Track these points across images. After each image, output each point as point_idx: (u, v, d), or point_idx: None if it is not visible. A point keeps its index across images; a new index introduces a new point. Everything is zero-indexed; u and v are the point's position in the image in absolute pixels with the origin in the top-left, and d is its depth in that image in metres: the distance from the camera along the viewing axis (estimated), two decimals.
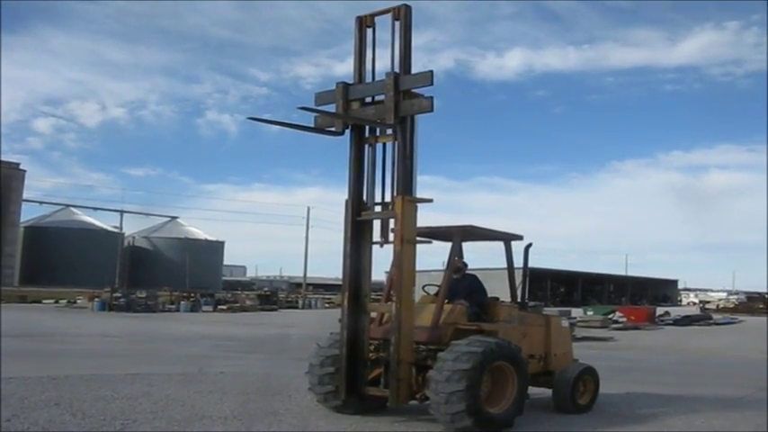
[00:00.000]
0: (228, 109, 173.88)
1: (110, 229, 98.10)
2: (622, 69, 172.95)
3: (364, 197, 10.40)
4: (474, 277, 11.28)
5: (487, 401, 9.34)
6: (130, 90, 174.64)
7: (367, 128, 10.51)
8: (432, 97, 9.93)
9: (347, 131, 10.47)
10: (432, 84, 9.86)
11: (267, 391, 12.16)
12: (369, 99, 10.52)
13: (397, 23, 10.24)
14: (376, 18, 10.56)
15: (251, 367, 16.35)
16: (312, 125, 10.68)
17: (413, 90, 10.00)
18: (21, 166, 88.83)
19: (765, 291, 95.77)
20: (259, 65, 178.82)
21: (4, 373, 13.12)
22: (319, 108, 10.47)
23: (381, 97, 10.23)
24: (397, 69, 10.12)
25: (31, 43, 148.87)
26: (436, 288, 10.88)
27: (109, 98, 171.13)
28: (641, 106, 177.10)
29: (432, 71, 9.87)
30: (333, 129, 10.48)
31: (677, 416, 11.11)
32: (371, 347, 10.15)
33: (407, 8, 10.19)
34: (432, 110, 9.92)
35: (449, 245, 11.07)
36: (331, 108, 10.49)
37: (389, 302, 10.24)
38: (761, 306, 77.56)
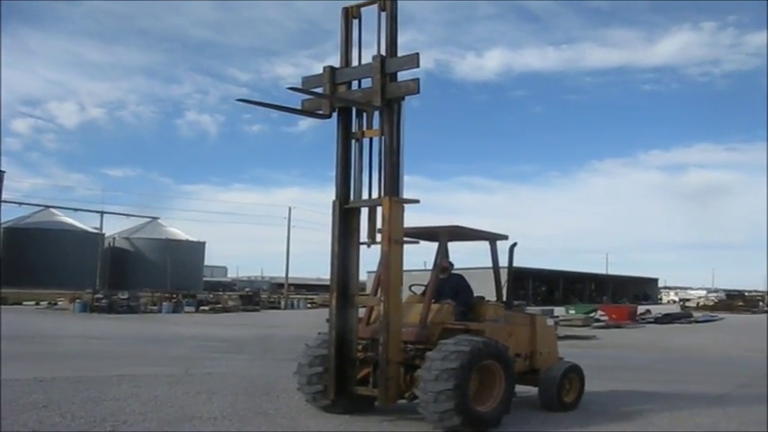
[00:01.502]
0: (208, 109, 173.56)
1: (90, 230, 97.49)
2: (601, 69, 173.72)
3: (351, 194, 10.45)
4: (460, 277, 11.37)
5: (475, 400, 9.42)
6: (109, 90, 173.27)
7: (354, 121, 10.57)
8: (418, 79, 10.00)
9: (334, 116, 10.52)
10: (418, 66, 9.93)
11: (255, 391, 12.19)
12: (356, 85, 10.61)
13: (383, 14, 10.32)
14: (362, 9, 10.65)
15: (237, 368, 16.36)
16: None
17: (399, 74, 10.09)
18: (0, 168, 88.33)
19: (744, 289, 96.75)
20: (239, 65, 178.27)
21: None
22: (307, 89, 10.52)
23: (368, 83, 10.32)
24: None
25: (8, 43, 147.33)
26: (423, 288, 10.97)
27: (88, 98, 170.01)
28: (620, 106, 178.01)
29: (418, 53, 9.94)
30: (320, 112, 10.55)
31: (662, 413, 11.24)
32: (360, 347, 10.21)
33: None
34: (418, 91, 9.99)
35: (434, 245, 11.17)
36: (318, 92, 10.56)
37: (377, 295, 10.28)
38: (740, 304, 78.43)
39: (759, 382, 15.79)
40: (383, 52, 10.21)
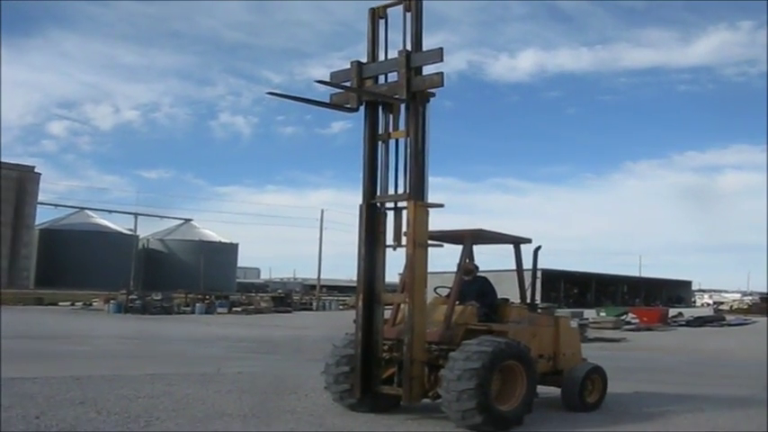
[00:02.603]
0: (242, 111, 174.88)
1: (124, 231, 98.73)
2: (636, 70, 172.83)
3: (378, 192, 10.70)
4: (485, 279, 11.59)
5: (498, 399, 9.63)
6: (144, 92, 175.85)
7: (380, 123, 10.80)
8: (442, 72, 10.22)
9: (362, 117, 10.78)
10: (442, 60, 10.17)
11: (284, 390, 12.49)
12: (382, 80, 10.86)
13: (408, 15, 10.59)
14: (388, 10, 10.93)
15: (267, 368, 16.71)
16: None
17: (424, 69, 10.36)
18: (35, 170, 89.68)
19: None
20: (272, 67, 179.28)
21: (28, 373, 13.55)
22: (335, 83, 10.80)
23: (394, 78, 10.58)
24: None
25: (43, 46, 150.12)
26: (447, 290, 11.21)
27: (122, 101, 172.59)
28: (655, 107, 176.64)
29: (442, 48, 10.17)
30: (348, 105, 10.82)
31: (683, 414, 11.39)
32: (385, 347, 10.44)
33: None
34: (442, 84, 10.21)
35: (459, 248, 11.40)
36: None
37: (403, 293, 10.54)
38: None
39: None
40: (409, 46, 10.49)
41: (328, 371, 10.77)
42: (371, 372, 10.27)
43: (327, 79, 10.87)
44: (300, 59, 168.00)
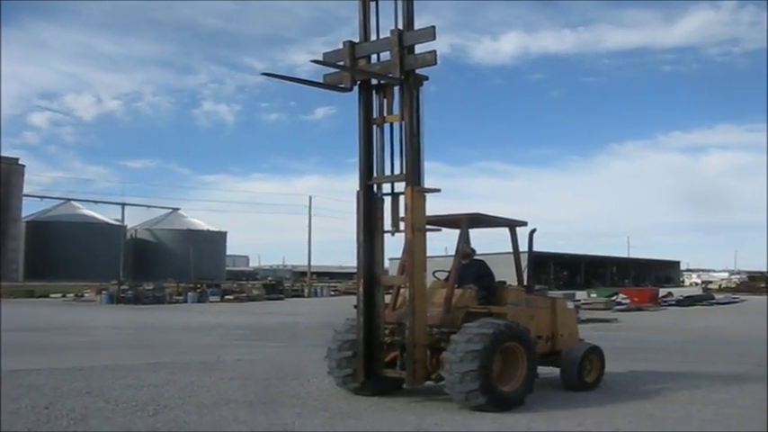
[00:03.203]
0: (225, 99, 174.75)
1: (111, 222, 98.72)
2: (619, 51, 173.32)
3: (374, 175, 10.85)
4: (482, 263, 11.75)
5: (499, 380, 9.82)
6: (125, 82, 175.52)
7: (375, 107, 10.92)
8: (435, 51, 10.35)
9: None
10: (434, 38, 10.26)
11: (286, 376, 12.64)
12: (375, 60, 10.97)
13: None
14: None
15: (266, 354, 16.87)
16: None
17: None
18: (19, 161, 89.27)
19: (766, 270, 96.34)
20: (254, 54, 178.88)
21: (31, 364, 13.67)
22: (329, 62, 10.90)
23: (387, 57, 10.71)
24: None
25: (23, 38, 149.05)
26: (446, 274, 11.36)
27: (104, 90, 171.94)
28: (639, 88, 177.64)
29: (434, 27, 10.27)
30: (342, 85, 10.91)
31: (679, 391, 11.60)
32: (387, 331, 10.60)
33: None
34: (435, 62, 10.34)
35: (456, 232, 11.55)
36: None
37: (401, 276, 10.69)
38: (762, 285, 78.02)
39: None
40: (401, 25, 10.60)
41: (331, 356, 10.92)
42: (374, 356, 10.43)
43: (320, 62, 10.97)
44: (282, 46, 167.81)
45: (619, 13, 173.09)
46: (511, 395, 9.85)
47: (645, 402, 10.66)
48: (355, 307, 10.71)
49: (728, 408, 10.43)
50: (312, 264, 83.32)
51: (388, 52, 10.67)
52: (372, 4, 11.05)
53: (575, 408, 10.21)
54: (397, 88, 10.73)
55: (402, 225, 10.50)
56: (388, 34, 10.63)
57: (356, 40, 10.96)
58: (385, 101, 10.93)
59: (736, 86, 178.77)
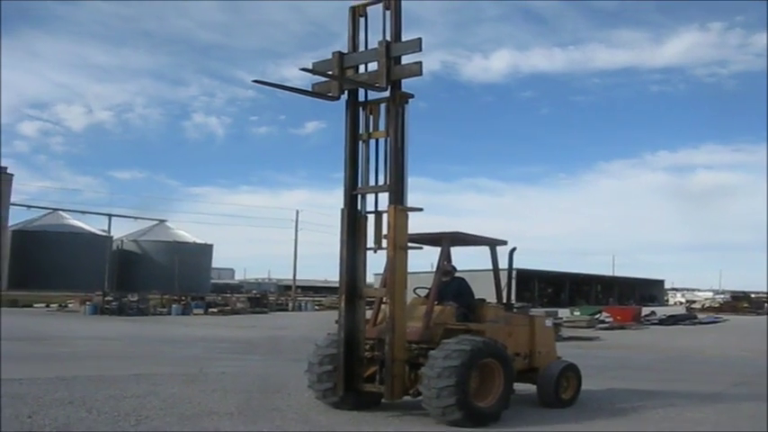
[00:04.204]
0: (215, 111, 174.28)
1: (98, 232, 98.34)
2: (608, 70, 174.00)
3: (359, 195, 11.05)
4: (462, 280, 11.95)
5: (476, 396, 10.01)
6: (116, 93, 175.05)
7: (361, 123, 11.16)
8: (420, 62, 10.62)
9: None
10: (420, 50, 10.57)
11: (267, 389, 12.80)
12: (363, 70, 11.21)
13: (388, 12, 10.96)
14: (368, 8, 11.29)
15: (249, 367, 16.99)
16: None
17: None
18: (8, 170, 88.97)
19: (751, 290, 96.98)
20: (245, 67, 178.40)
21: (14, 373, 13.75)
22: (317, 71, 11.10)
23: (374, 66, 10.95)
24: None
25: (14, 46, 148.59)
26: (426, 290, 11.56)
27: (95, 101, 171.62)
28: (627, 107, 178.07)
29: (420, 38, 10.58)
30: (330, 94, 11.15)
31: (654, 409, 11.80)
32: (367, 346, 10.77)
33: None
34: (420, 73, 10.62)
35: (438, 250, 11.74)
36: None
37: (383, 288, 10.88)
38: (745, 305, 78.60)
39: (754, 381, 16.33)
40: (389, 37, 10.88)
41: (312, 370, 11.07)
42: (354, 370, 10.58)
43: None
44: (274, 59, 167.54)
45: (608, 33, 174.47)
46: (487, 411, 10.03)
47: (619, 420, 10.90)
48: (337, 322, 10.88)
49: (701, 426, 10.66)
50: (298, 278, 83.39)
51: (375, 63, 10.91)
52: (361, 19, 11.31)
53: (550, 424, 10.42)
54: (383, 105, 10.98)
55: (384, 242, 10.70)
56: (376, 45, 10.90)
57: (348, 43, 11.27)
58: (371, 117, 11.16)
59: (723, 107, 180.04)
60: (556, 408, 11.56)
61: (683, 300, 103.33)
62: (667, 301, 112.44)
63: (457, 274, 12.12)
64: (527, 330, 12.16)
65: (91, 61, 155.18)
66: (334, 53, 11.15)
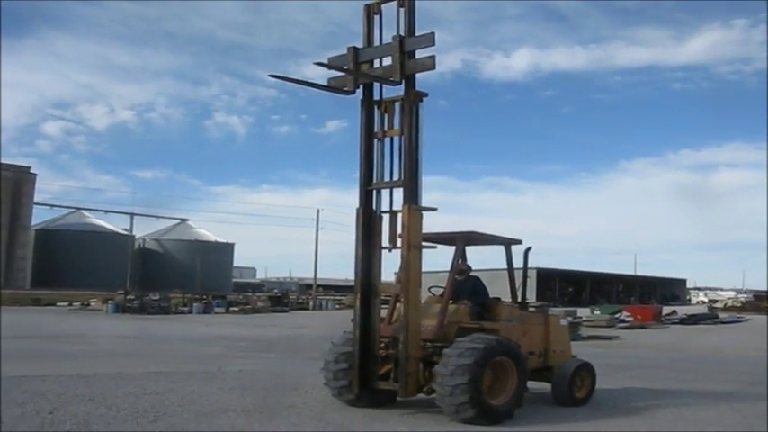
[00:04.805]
0: (237, 111, 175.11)
1: (120, 231, 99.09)
2: (630, 69, 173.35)
3: (374, 192, 11.19)
4: (477, 279, 12.07)
5: (489, 394, 10.10)
6: (138, 93, 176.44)
7: (376, 121, 11.30)
8: (434, 56, 10.74)
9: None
10: (434, 44, 10.68)
11: (284, 387, 12.95)
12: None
13: (402, 10, 11.08)
14: (382, 6, 11.42)
15: (267, 366, 17.17)
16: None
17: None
18: (31, 170, 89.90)
19: None
20: (266, 67, 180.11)
21: (36, 371, 13.99)
22: (332, 65, 11.24)
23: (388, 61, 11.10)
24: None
25: (37, 47, 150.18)
26: (441, 289, 11.67)
27: (117, 101, 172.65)
28: (649, 105, 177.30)
29: (433, 32, 10.70)
30: (345, 88, 11.28)
31: (668, 408, 11.84)
32: (382, 345, 10.90)
33: None
34: (434, 67, 10.74)
35: (452, 249, 11.84)
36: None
37: (398, 284, 10.95)
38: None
39: None
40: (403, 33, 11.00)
41: (327, 368, 11.22)
42: (369, 368, 10.71)
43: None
44: (294, 59, 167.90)
45: (630, 31, 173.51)
46: (500, 408, 10.13)
47: (632, 419, 10.93)
48: (352, 320, 11.01)
49: (714, 425, 10.70)
50: (318, 277, 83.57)
51: (389, 58, 11.04)
52: (376, 17, 11.45)
53: (563, 422, 10.49)
54: (398, 104, 11.11)
55: (399, 242, 10.82)
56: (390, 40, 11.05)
57: (363, 39, 11.43)
58: (386, 115, 11.30)
59: (746, 105, 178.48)
60: (569, 406, 11.62)
61: (706, 299, 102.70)
62: (689, 300, 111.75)
63: (474, 274, 12.23)
64: (542, 329, 12.22)
65: (113, 62, 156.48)
66: (349, 48, 11.31)
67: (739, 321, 53.03)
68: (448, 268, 11.55)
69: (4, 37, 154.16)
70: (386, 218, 11.15)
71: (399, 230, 10.82)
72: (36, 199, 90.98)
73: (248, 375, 14.64)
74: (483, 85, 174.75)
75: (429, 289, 11.88)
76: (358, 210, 11.07)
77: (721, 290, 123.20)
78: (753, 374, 17.95)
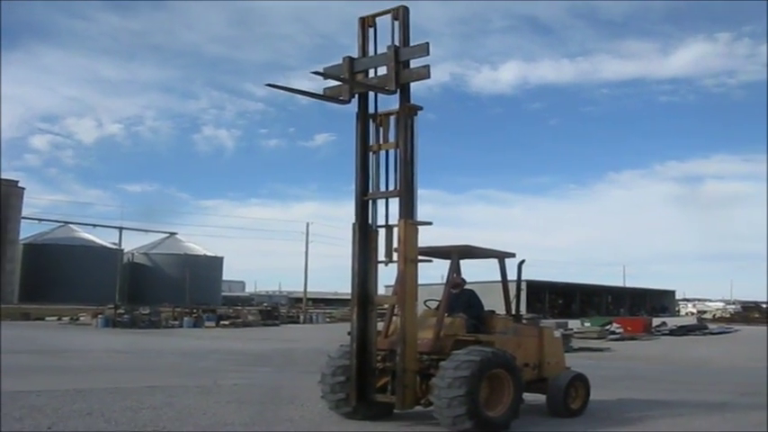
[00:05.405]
0: (225, 124, 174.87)
1: (109, 245, 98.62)
2: (616, 81, 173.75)
3: (369, 205, 11.29)
4: (472, 292, 12.17)
5: (486, 406, 10.19)
6: (127, 106, 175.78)
7: (371, 134, 11.42)
8: (428, 65, 10.86)
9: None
10: (428, 54, 10.83)
11: (281, 400, 12.99)
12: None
13: (396, 23, 11.21)
14: (377, 19, 11.56)
15: (262, 379, 17.18)
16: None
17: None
18: (19, 184, 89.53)
19: (762, 300, 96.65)
20: (254, 80, 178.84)
21: (31, 386, 13.98)
22: (328, 74, 11.33)
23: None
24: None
25: (25, 60, 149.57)
26: (437, 302, 11.77)
27: (105, 114, 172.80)
28: (636, 117, 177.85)
29: (428, 42, 10.85)
30: (341, 98, 11.40)
31: (662, 418, 11.97)
32: (379, 357, 10.98)
33: (405, 9, 11.18)
34: (429, 76, 10.87)
35: (448, 262, 11.96)
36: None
37: (395, 296, 11.09)
38: (756, 315, 78.42)
39: (761, 390, 16.40)
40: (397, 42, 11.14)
41: (324, 381, 11.27)
42: (366, 381, 10.77)
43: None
44: (283, 72, 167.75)
45: (616, 44, 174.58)
46: (497, 420, 10.21)
47: (627, 429, 11.06)
48: (349, 333, 11.08)
49: None
50: (308, 290, 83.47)
51: (384, 68, 11.17)
52: (371, 30, 11.58)
53: None
54: (393, 117, 11.23)
55: (395, 256, 10.91)
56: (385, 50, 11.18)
57: (358, 50, 11.56)
58: (381, 129, 11.42)
59: (731, 117, 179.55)
60: (564, 417, 11.73)
61: (695, 310, 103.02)
62: (678, 311, 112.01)
63: (467, 287, 12.33)
64: (536, 341, 12.34)
65: (101, 75, 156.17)
66: (344, 58, 11.43)
67: (728, 332, 53.32)
68: (441, 281, 11.64)
69: None
70: (382, 232, 11.23)
71: (395, 244, 10.92)
72: (24, 213, 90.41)
73: (244, 389, 14.68)
74: (471, 97, 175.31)
75: (425, 302, 11.98)
76: (354, 224, 11.15)
77: (709, 301, 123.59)
78: (744, 385, 18.12)
